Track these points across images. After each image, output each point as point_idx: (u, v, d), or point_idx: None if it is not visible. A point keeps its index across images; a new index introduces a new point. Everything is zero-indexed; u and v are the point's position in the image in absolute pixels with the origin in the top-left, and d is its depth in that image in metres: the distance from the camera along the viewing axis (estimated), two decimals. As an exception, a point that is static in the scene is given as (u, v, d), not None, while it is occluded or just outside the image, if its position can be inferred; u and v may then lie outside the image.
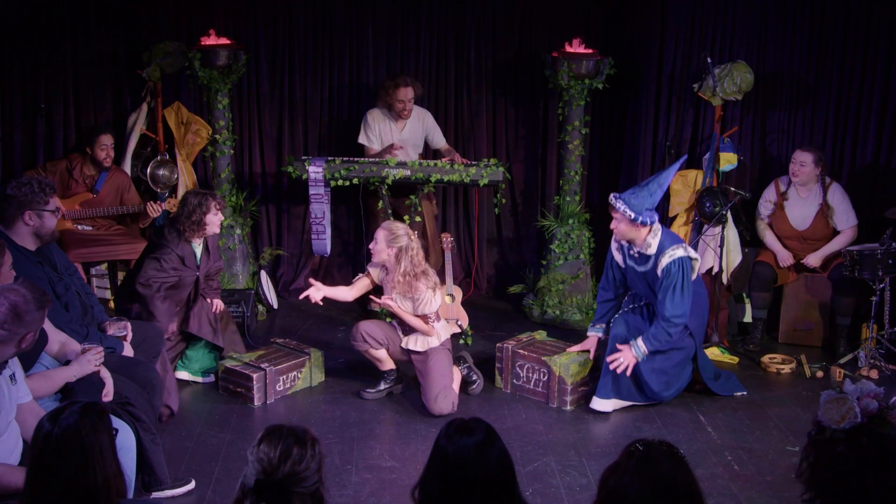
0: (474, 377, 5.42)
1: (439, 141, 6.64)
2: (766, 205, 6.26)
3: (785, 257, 6.09)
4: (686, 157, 6.13)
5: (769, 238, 6.21)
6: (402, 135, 6.48)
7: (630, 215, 4.87)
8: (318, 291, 5.19)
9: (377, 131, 6.45)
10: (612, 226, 5.00)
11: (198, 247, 5.23)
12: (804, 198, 6.14)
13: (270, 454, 2.41)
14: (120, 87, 6.82)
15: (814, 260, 6.04)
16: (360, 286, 5.33)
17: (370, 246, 5.18)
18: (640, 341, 4.99)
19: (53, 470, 2.54)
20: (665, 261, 4.93)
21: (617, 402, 5.13)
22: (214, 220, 5.12)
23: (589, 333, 5.43)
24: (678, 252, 4.92)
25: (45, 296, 3.41)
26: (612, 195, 4.97)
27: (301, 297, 5.27)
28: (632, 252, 5.08)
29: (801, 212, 6.14)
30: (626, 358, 5.00)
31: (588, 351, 5.33)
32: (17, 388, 3.35)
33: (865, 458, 2.23)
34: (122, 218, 6.28)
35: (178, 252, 5.11)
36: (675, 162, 5.31)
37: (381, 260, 5.15)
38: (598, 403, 5.11)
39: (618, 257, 5.23)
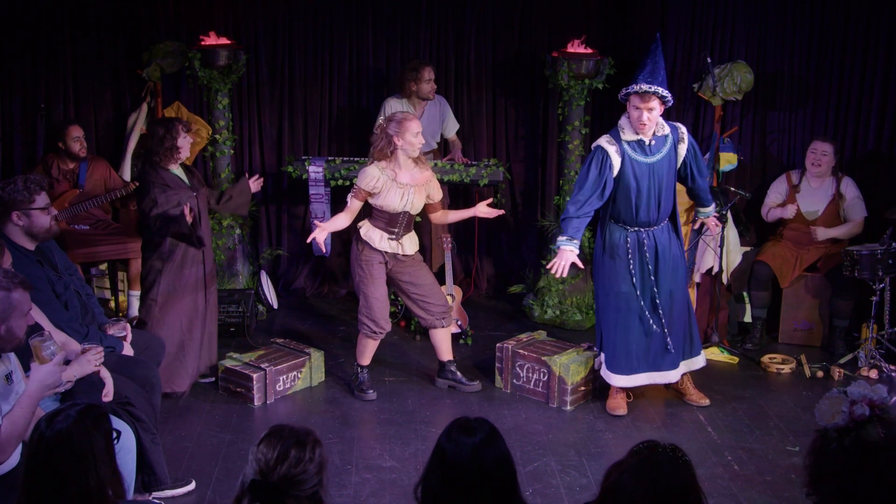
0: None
1: (451, 129, 6.64)
2: (775, 194, 6.27)
3: (788, 210, 6.14)
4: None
5: (774, 212, 6.23)
6: (421, 122, 6.48)
7: (670, 100, 4.77)
8: (322, 232, 5.08)
9: None
10: (646, 119, 4.71)
11: (177, 170, 5.16)
12: (816, 188, 6.15)
13: (268, 455, 2.40)
14: (120, 87, 6.83)
15: (822, 234, 6.05)
16: (356, 208, 5.19)
17: (416, 142, 5.04)
18: (706, 210, 5.19)
19: (45, 472, 2.53)
20: (685, 134, 4.92)
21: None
22: (185, 143, 5.10)
23: (565, 248, 4.83)
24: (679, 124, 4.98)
25: (19, 278, 3.32)
26: (643, 85, 4.68)
27: (309, 240, 5.18)
28: (648, 143, 4.83)
29: (812, 202, 6.15)
30: (714, 223, 5.21)
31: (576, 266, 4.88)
32: (15, 387, 3.33)
33: (849, 461, 2.25)
34: (113, 205, 6.29)
35: (168, 180, 5.07)
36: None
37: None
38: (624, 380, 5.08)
39: (617, 162, 4.82)
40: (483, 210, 5.37)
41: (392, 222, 5.15)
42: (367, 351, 5.33)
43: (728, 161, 6.31)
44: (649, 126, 4.78)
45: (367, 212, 5.25)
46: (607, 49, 6.84)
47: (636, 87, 4.70)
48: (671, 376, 5.13)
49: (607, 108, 7.13)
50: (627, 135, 4.83)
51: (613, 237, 4.97)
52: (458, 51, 7.10)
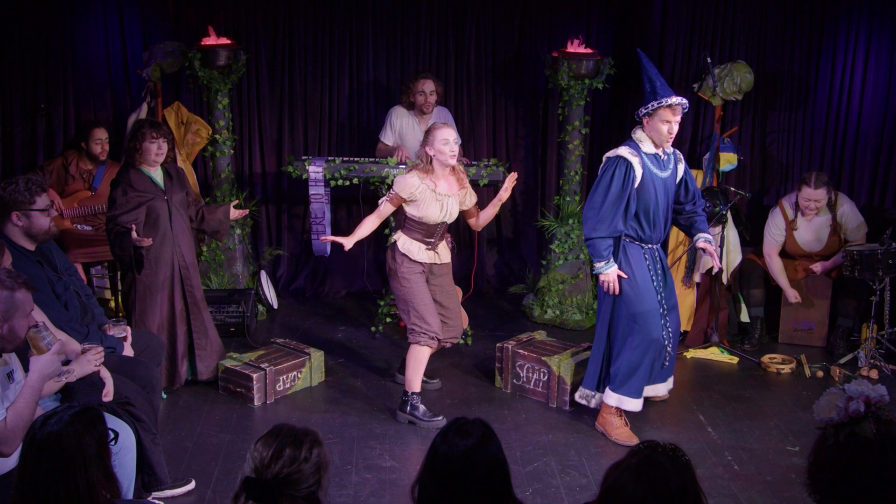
0: None
1: None
2: (777, 232, 6.09)
3: (791, 296, 6.04)
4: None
5: (777, 274, 6.09)
6: (423, 132, 6.47)
7: (687, 108, 4.68)
8: (351, 240, 4.96)
9: (397, 128, 6.44)
10: (674, 131, 4.64)
11: (153, 172, 5.15)
12: (812, 221, 6.03)
13: (263, 453, 2.41)
14: (120, 87, 6.83)
15: (820, 269, 6.02)
16: (386, 213, 5.03)
17: (446, 150, 4.83)
18: (704, 235, 4.92)
19: (34, 474, 2.54)
20: (682, 156, 4.89)
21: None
22: (150, 148, 5.06)
23: (608, 271, 4.67)
24: None
25: (23, 278, 3.32)
26: (674, 98, 4.57)
27: (328, 239, 5.05)
28: (661, 157, 4.72)
29: (812, 235, 6.04)
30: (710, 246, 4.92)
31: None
32: (15, 386, 3.34)
33: (844, 457, 2.25)
34: None
35: (134, 181, 5.07)
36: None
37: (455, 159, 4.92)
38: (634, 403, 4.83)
39: (639, 174, 4.64)
40: (504, 195, 5.09)
41: (430, 233, 4.98)
42: (420, 368, 4.99)
43: (728, 161, 6.30)
44: (672, 137, 4.68)
45: (383, 222, 5.14)
46: (607, 49, 6.84)
47: (668, 101, 4.56)
48: (661, 389, 5.01)
49: (607, 109, 7.15)
50: (647, 147, 4.68)
51: (633, 256, 4.73)
52: (458, 51, 7.11)
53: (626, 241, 4.74)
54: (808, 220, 6.03)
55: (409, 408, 4.98)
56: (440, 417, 4.96)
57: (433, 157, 4.88)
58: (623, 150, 4.66)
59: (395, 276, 5.01)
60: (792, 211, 6.07)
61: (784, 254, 6.14)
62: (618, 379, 4.80)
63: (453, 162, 4.91)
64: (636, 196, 4.66)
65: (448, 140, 4.86)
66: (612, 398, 4.82)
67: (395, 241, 5.02)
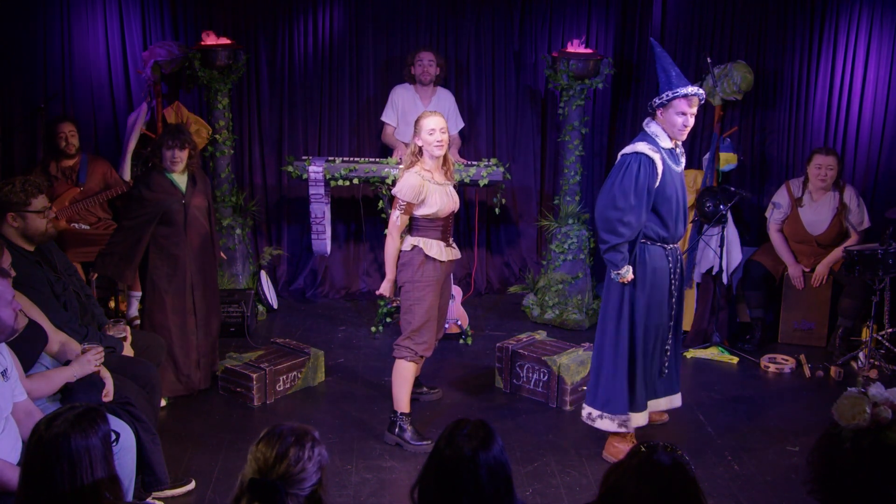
0: None
1: (452, 126, 6.53)
2: (777, 211, 6.14)
3: (797, 276, 6.06)
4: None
5: (782, 249, 6.15)
6: (425, 107, 6.50)
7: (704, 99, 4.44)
8: (389, 284, 4.75)
9: (400, 107, 6.52)
10: (689, 123, 4.37)
11: (176, 175, 5.16)
12: (818, 202, 6.08)
13: (267, 454, 2.41)
14: (120, 87, 6.83)
15: (823, 269, 6.04)
16: (404, 225, 4.65)
17: (432, 139, 4.56)
18: None
19: (41, 475, 2.54)
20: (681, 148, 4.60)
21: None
22: (166, 154, 5.09)
23: (623, 270, 4.36)
24: None
25: None
26: (691, 87, 4.34)
27: (379, 292, 4.80)
28: (676, 151, 4.49)
29: (815, 216, 6.09)
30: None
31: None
32: (11, 384, 3.33)
33: (864, 463, 2.23)
34: (114, 203, 6.29)
35: (153, 182, 5.11)
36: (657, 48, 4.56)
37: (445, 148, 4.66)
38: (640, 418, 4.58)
39: (660, 171, 4.35)
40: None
41: (446, 228, 4.67)
42: (407, 386, 4.69)
43: (728, 161, 6.31)
44: (687, 130, 4.42)
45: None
46: (607, 49, 6.84)
47: (684, 91, 4.30)
48: (676, 401, 4.76)
49: (607, 108, 7.15)
50: (663, 142, 4.40)
51: (656, 261, 4.42)
52: (457, 50, 7.11)
53: (647, 244, 4.43)
54: (814, 201, 6.07)
55: (396, 429, 4.71)
56: (428, 442, 4.64)
57: (422, 148, 4.62)
58: (642, 146, 4.34)
59: (413, 282, 4.61)
60: (798, 190, 6.14)
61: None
62: (614, 397, 4.50)
63: (440, 152, 4.59)
64: (658, 194, 4.37)
65: (434, 130, 4.55)
66: (607, 423, 4.55)
67: (416, 245, 4.61)
